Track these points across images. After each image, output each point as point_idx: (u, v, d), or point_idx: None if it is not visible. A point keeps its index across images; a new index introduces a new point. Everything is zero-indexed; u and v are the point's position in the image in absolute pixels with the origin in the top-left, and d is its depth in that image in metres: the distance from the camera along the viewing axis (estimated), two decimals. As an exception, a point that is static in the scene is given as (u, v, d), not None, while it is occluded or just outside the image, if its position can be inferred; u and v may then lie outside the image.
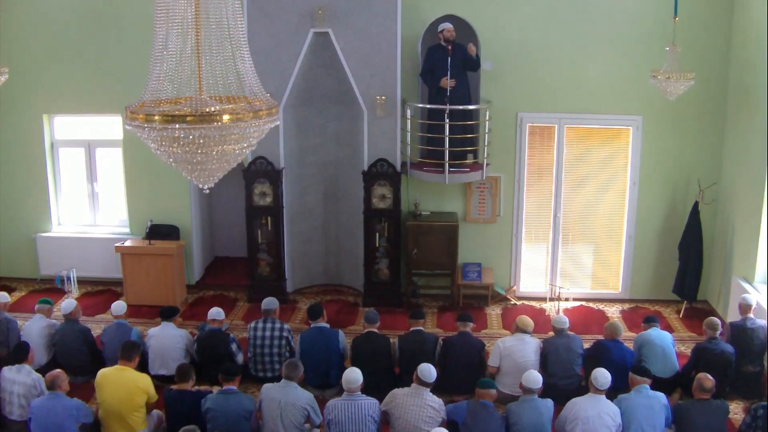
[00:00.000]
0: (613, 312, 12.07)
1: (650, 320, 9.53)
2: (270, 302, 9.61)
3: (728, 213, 11.55)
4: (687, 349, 10.27)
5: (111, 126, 12.95)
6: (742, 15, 11.13)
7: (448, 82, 11.16)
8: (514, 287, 12.58)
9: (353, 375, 7.76)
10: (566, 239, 12.45)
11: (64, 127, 13.24)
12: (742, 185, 11.09)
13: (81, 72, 12.59)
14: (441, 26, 11.34)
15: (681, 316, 11.87)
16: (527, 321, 9.35)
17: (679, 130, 11.88)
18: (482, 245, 12.47)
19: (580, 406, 7.71)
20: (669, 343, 9.27)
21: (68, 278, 12.81)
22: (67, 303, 9.90)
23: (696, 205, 11.56)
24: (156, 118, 5.08)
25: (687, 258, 11.66)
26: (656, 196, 12.14)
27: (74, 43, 12.54)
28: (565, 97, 11.92)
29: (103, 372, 8.24)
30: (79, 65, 12.58)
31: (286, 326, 9.52)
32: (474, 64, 11.37)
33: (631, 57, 11.64)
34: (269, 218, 11.99)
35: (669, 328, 11.07)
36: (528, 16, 11.79)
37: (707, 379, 7.86)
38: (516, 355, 9.01)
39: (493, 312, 12.08)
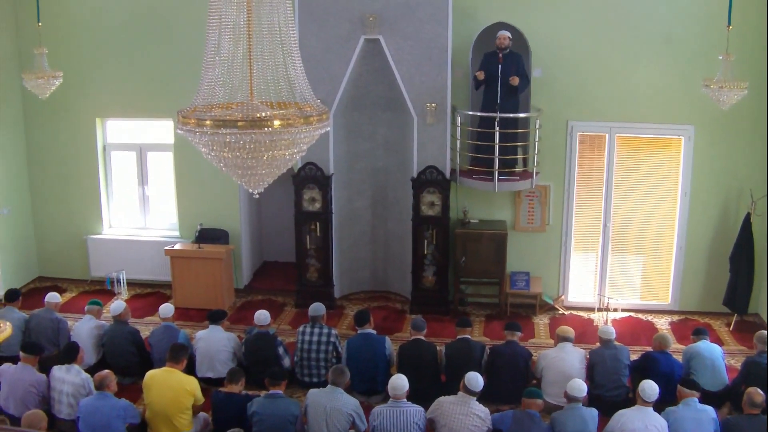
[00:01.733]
0: (662, 323, 11.93)
1: (700, 332, 9.40)
2: (317, 308, 9.63)
3: (781, 225, 11.40)
4: (737, 363, 10.10)
5: (162, 130, 13.10)
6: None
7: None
8: (563, 297, 12.49)
9: (399, 382, 7.75)
10: (616, 249, 12.34)
11: (116, 130, 13.43)
12: (796, 197, 10.92)
13: (133, 76, 12.76)
14: (498, 33, 11.32)
15: (731, 329, 11.68)
16: (567, 329, 9.31)
17: (731, 140, 11.72)
18: (531, 254, 12.39)
19: (627, 417, 7.64)
20: (718, 356, 9.14)
21: (118, 280, 12.95)
22: (117, 304, 10.01)
23: (748, 216, 11.41)
24: (207, 122, 5.12)
25: (738, 270, 11.50)
26: (707, 207, 11.99)
27: (127, 47, 12.70)
28: (616, 106, 11.83)
29: (150, 373, 8.31)
30: (131, 70, 12.75)
31: (333, 332, 9.53)
32: (516, 90, 11.31)
33: (683, 66, 11.51)
34: (318, 224, 12.02)
35: (719, 341, 10.91)
36: (579, 24, 11.72)
37: (758, 393, 7.74)
38: (560, 364, 8.94)
39: (541, 321, 11.99)
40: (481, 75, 11.25)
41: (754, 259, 11.47)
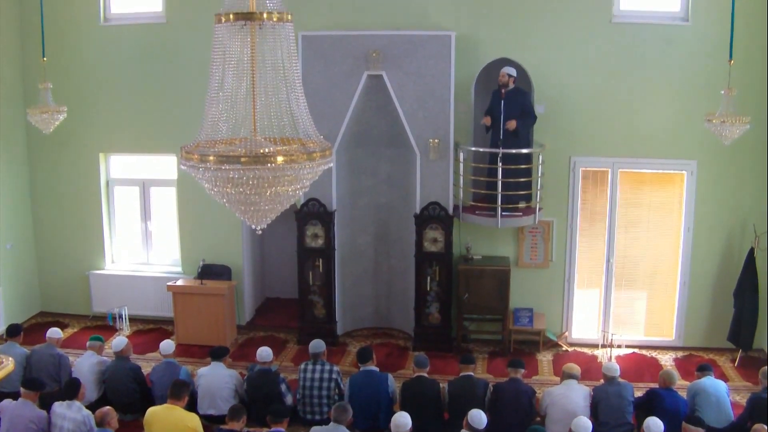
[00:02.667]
0: (667, 360, 11.87)
1: (704, 368, 9.34)
2: (317, 345, 9.58)
3: (785, 259, 11.37)
4: (742, 399, 10.09)
5: (166, 165, 13.15)
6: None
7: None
8: (566, 333, 12.44)
9: (402, 419, 7.71)
10: (619, 285, 12.31)
11: (119, 165, 13.47)
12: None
13: (137, 112, 12.84)
14: (501, 70, 11.36)
15: (736, 364, 11.62)
16: (573, 366, 9.26)
17: (734, 175, 11.74)
18: (534, 290, 12.36)
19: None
20: (723, 393, 9.07)
21: (120, 316, 12.92)
22: (119, 340, 9.97)
23: (751, 251, 11.40)
24: (211, 158, 5.12)
25: (742, 305, 11.46)
26: (711, 242, 11.98)
27: (131, 83, 12.79)
28: (619, 141, 11.85)
29: (152, 410, 8.27)
30: (135, 105, 12.83)
31: (335, 369, 9.48)
32: (515, 133, 11.33)
33: (686, 100, 11.56)
34: (321, 260, 12.01)
35: (723, 377, 10.83)
36: (581, 60, 11.77)
37: (763, 429, 7.68)
38: (564, 401, 8.87)
39: (545, 358, 11.93)
40: (488, 121, 11.27)
41: (758, 294, 11.43)
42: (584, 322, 12.53)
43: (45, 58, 11.32)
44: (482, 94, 11.61)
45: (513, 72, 11.30)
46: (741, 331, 11.51)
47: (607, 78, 11.76)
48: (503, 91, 11.25)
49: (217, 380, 9.43)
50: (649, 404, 8.86)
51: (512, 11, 11.80)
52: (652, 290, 12.40)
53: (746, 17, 10.65)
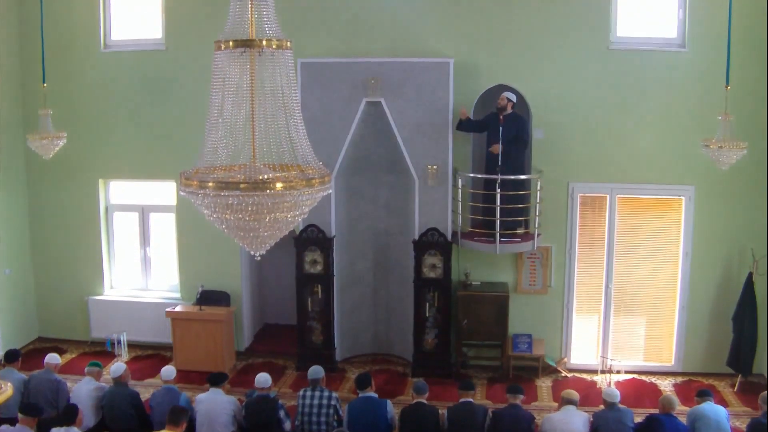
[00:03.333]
0: (666, 385, 11.84)
1: (704, 394, 9.30)
2: (316, 371, 9.54)
3: (783, 284, 11.37)
4: (742, 425, 10.06)
5: (165, 191, 13.16)
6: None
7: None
8: (565, 359, 12.42)
9: (401, 445, 7.68)
10: (618, 310, 12.30)
11: (119, 191, 13.50)
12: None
13: (137, 138, 12.89)
14: (504, 93, 11.42)
15: (736, 389, 11.59)
16: (572, 392, 9.22)
17: (732, 200, 11.77)
18: (533, 316, 12.34)
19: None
20: (723, 418, 9.02)
21: (119, 341, 12.89)
22: (117, 366, 9.93)
23: (750, 275, 11.41)
24: (210, 184, 5.14)
25: (741, 330, 11.45)
26: (709, 267, 11.99)
27: (131, 109, 12.86)
28: (617, 167, 11.89)
29: (151, 437, 8.24)
30: (135, 131, 12.89)
31: (334, 395, 9.45)
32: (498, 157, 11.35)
33: (683, 126, 11.61)
34: (320, 286, 12.01)
35: (723, 402, 10.81)
36: (579, 86, 11.83)
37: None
38: (564, 427, 8.83)
39: (544, 384, 11.91)
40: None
41: (757, 319, 11.43)
42: (583, 347, 12.51)
43: (45, 84, 11.37)
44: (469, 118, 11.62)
45: (513, 97, 11.37)
46: (740, 356, 11.49)
47: (605, 104, 11.81)
48: (502, 116, 11.29)
49: (216, 406, 9.38)
50: (649, 430, 8.82)
51: (510, 38, 11.87)
52: (651, 315, 12.38)
53: (742, 43, 10.69)
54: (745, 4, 10.93)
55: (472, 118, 11.59)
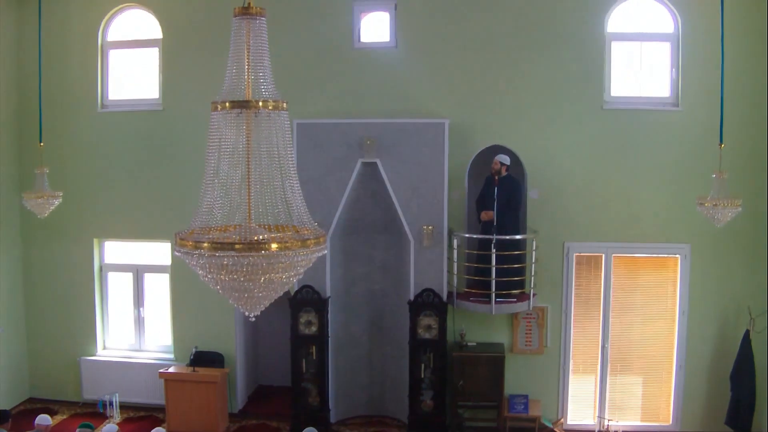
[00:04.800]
0: (665, 446, 11.77)
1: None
2: (308, 433, 9.50)
3: (781, 342, 11.33)
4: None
5: (160, 251, 13.14)
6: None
7: (488, 214, 11.21)
8: (562, 419, 12.32)
9: None
10: (615, 370, 12.23)
11: (113, 251, 13.46)
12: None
13: (132, 198, 12.90)
14: (497, 156, 11.47)
15: (735, 450, 11.52)
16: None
17: (727, 257, 11.80)
18: (529, 376, 12.27)
19: None
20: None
21: (111, 403, 12.78)
22: (109, 428, 9.88)
23: (747, 333, 11.35)
24: (205, 245, 5.11)
25: (739, 388, 11.37)
26: (706, 325, 11.96)
27: (127, 169, 12.90)
28: (612, 227, 11.92)
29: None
30: (130, 191, 12.90)
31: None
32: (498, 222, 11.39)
33: (678, 184, 11.67)
34: (314, 347, 11.93)
35: (723, 464, 10.74)
36: (574, 146, 11.90)
37: None
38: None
39: (541, 446, 11.82)
40: (487, 215, 11.32)
41: (755, 377, 11.35)
42: (580, 408, 12.42)
43: (42, 143, 11.41)
44: (476, 181, 11.69)
45: (506, 160, 11.41)
46: (738, 415, 11.40)
47: (600, 163, 11.88)
48: (497, 178, 11.33)
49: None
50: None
51: (505, 98, 11.97)
52: (648, 375, 12.32)
53: (735, 101, 10.82)
54: (738, 63, 11.12)
55: (467, 183, 11.65)
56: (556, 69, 11.90)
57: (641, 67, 12.08)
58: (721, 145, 9.80)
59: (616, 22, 11.96)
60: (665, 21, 11.87)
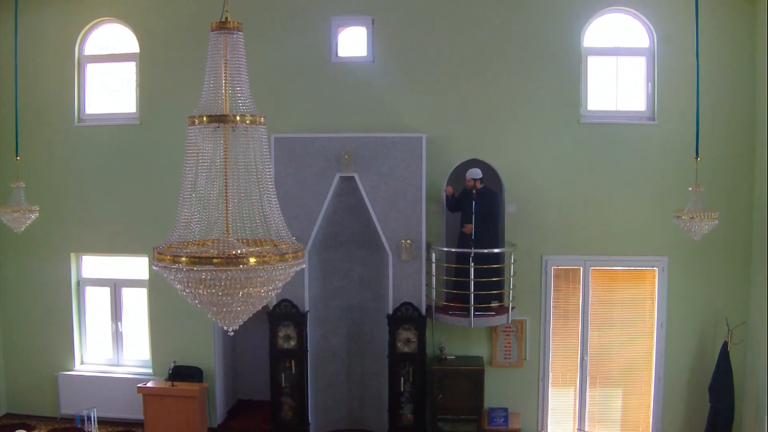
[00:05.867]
0: (644, 459, 11.79)
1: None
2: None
3: (759, 352, 11.35)
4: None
5: (137, 266, 13.08)
6: (763, 153, 11.23)
7: (471, 228, 11.24)
8: (542, 433, 12.37)
9: None
10: (594, 382, 12.27)
11: (91, 265, 13.40)
12: (772, 325, 10.94)
13: (110, 212, 12.85)
14: (468, 173, 11.49)
15: (714, 461, 11.55)
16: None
17: (705, 270, 11.87)
18: (509, 389, 12.28)
19: None
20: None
21: (89, 418, 12.65)
22: (87, 444, 9.81)
23: (725, 345, 11.40)
24: (183, 259, 5.10)
25: (718, 400, 11.41)
26: (684, 337, 12.02)
27: (104, 183, 12.85)
28: (590, 239, 11.97)
29: None
30: (108, 206, 12.84)
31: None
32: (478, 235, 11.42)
33: (655, 197, 11.73)
34: (293, 361, 11.90)
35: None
36: (551, 159, 11.96)
37: None
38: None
39: (521, 459, 11.82)
40: (469, 229, 11.37)
41: (734, 388, 11.40)
42: (560, 420, 12.43)
43: (18, 157, 11.33)
44: (453, 195, 11.68)
45: (478, 174, 11.44)
46: (717, 426, 11.43)
47: (577, 177, 11.94)
48: (474, 191, 11.36)
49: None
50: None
51: (482, 112, 12.02)
52: (627, 387, 12.35)
53: (710, 115, 10.91)
54: (713, 77, 11.22)
55: (444, 197, 11.68)
56: (533, 83, 11.97)
57: (617, 82, 12.15)
58: (697, 158, 9.87)
59: (592, 36, 12.04)
60: (641, 36, 11.96)
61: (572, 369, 12.29)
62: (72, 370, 13.29)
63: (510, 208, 11.83)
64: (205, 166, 5.35)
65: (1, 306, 13.33)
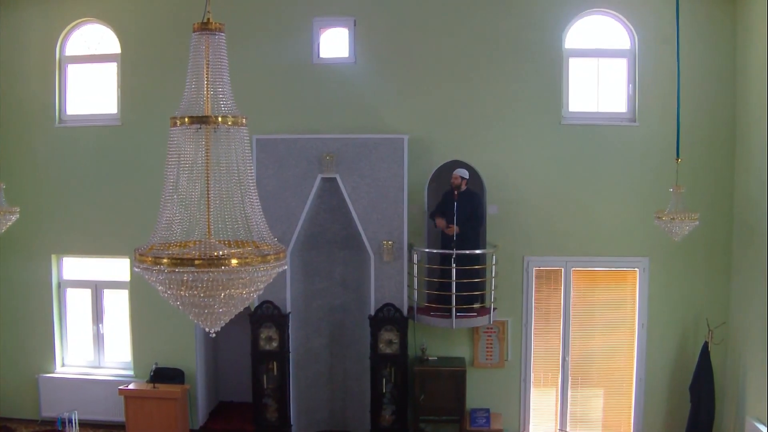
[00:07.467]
0: (625, 459, 11.84)
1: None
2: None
3: (739, 352, 11.44)
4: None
5: (119, 268, 13.04)
6: (744, 155, 11.34)
7: (454, 228, 11.24)
8: (523, 433, 12.39)
9: None
10: (575, 383, 12.31)
11: (72, 267, 13.34)
12: (752, 324, 10.99)
13: (91, 214, 12.80)
14: (456, 170, 11.52)
15: (694, 461, 11.60)
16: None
17: (685, 271, 11.93)
18: (491, 390, 12.29)
19: None
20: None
21: (70, 421, 12.60)
22: (68, 447, 9.77)
23: (706, 345, 11.45)
24: (164, 260, 5.08)
25: (699, 400, 11.46)
26: (665, 337, 12.08)
27: (85, 184, 12.80)
28: (571, 241, 12.01)
29: None
30: (89, 207, 12.80)
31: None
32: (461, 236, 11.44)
33: (636, 199, 11.80)
34: (275, 363, 11.87)
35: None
36: (533, 161, 12.00)
37: None
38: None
39: (502, 459, 11.85)
40: (441, 223, 11.39)
41: (714, 388, 11.44)
42: (541, 421, 12.47)
43: (-2, 159, 11.33)
44: (435, 196, 11.72)
45: (465, 174, 11.46)
46: (698, 426, 11.47)
47: (559, 178, 11.98)
48: (456, 192, 11.37)
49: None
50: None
51: (463, 114, 12.05)
52: (608, 387, 12.41)
53: (691, 117, 10.96)
54: (693, 79, 11.26)
55: (426, 198, 11.70)
56: (514, 85, 12.01)
57: (599, 83, 12.20)
58: (677, 159, 9.94)
59: (573, 38, 12.09)
60: (622, 37, 12.02)
61: (554, 369, 12.33)
62: (53, 373, 13.23)
63: (492, 210, 11.85)
64: (186, 167, 5.33)
65: (-19, 308, 13.28)
